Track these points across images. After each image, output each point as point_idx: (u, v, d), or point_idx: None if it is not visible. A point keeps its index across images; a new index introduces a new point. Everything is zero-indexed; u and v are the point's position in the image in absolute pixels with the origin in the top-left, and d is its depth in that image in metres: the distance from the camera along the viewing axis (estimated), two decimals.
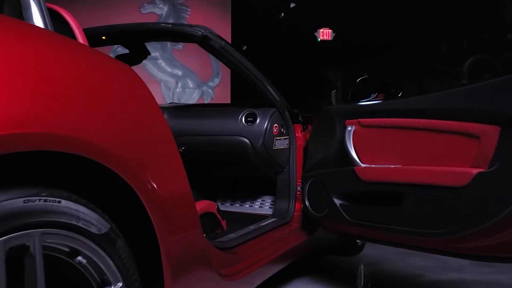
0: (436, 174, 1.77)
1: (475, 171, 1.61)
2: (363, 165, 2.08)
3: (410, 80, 7.26)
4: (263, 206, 2.80)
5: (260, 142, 2.37)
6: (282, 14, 7.43)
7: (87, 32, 2.30)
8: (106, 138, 1.03)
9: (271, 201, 2.77)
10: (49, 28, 1.25)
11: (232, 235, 2.07)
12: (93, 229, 1.00)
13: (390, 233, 1.98)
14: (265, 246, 2.15)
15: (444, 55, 7.92)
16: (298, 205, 2.56)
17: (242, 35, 6.45)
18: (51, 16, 1.27)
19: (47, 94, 0.91)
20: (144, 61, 5.72)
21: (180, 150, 2.53)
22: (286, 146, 2.54)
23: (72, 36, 1.45)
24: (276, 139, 2.44)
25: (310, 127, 2.67)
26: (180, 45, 5.50)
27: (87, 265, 1.00)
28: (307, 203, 2.41)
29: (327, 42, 8.04)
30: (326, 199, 2.28)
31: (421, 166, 1.86)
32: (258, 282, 2.00)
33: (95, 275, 1.03)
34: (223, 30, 5.88)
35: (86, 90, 1.04)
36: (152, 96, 1.28)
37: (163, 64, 5.69)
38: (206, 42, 2.04)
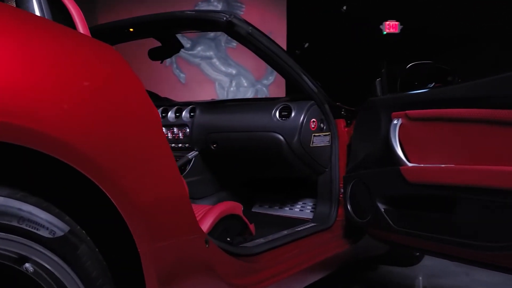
0: (499, 176, 1.46)
1: None
2: (410, 165, 1.79)
3: None
4: (304, 209, 2.56)
5: (295, 138, 2.15)
6: (345, 8, 7.10)
7: (114, 25, 2.22)
8: (67, 129, 0.87)
9: (313, 204, 2.53)
10: (45, 14, 1.13)
11: (260, 240, 1.87)
12: (44, 232, 0.84)
13: (440, 244, 1.69)
14: (298, 253, 1.93)
15: None
16: (342, 209, 2.30)
17: (298, 31, 6.22)
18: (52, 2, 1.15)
19: None
20: (198, 61, 5.70)
21: (212, 147, 2.37)
22: (327, 144, 2.29)
23: (71, 24, 1.31)
24: (314, 135, 2.20)
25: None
26: (234, 43, 5.39)
27: (40, 273, 0.86)
28: (349, 207, 2.15)
29: (394, 35, 7.57)
30: (369, 203, 2.01)
31: (480, 165, 1.55)
32: None
33: (54, 285, 0.88)
34: (279, 27, 5.70)
35: (49, 74, 0.89)
36: (141, 84, 1.11)
37: (217, 63, 5.61)
38: (231, 28, 1.86)
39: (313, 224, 2.22)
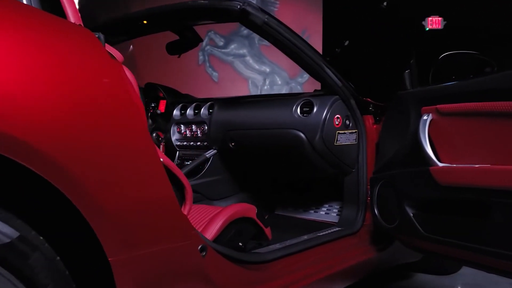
0: None
1: None
2: (440, 165, 1.61)
3: None
4: (329, 212, 2.40)
5: (318, 136, 1.99)
6: (385, 3, 6.83)
7: (128, 18, 2.15)
8: (20, 124, 0.76)
9: (340, 207, 2.36)
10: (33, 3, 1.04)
11: (275, 246, 1.73)
12: None
13: (474, 254, 1.50)
14: (317, 260, 1.78)
15: None
16: (370, 213, 2.13)
17: (335, 28, 6.01)
18: None
19: None
20: (231, 59, 5.61)
21: (230, 146, 2.25)
22: (354, 142, 2.12)
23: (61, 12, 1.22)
24: (338, 132, 2.04)
25: None
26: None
27: None
28: (376, 210, 1.98)
29: (437, 31, 7.22)
30: (397, 207, 1.83)
31: None
32: None
33: None
34: (314, 23, 5.53)
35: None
36: (121, 71, 0.99)
37: (250, 61, 5.50)
38: (246, 17, 1.74)
39: (337, 229, 2.06)
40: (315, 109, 2.01)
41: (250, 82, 5.57)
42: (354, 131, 2.12)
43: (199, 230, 1.57)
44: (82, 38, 0.95)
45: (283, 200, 2.58)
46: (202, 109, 2.38)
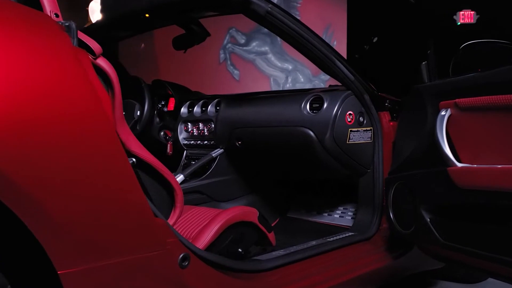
0: None
1: None
2: (459, 165, 1.45)
3: None
4: (344, 215, 2.26)
5: (328, 134, 1.85)
6: None
7: (130, 12, 2.06)
8: None
9: (355, 210, 2.21)
10: None
11: (277, 253, 1.61)
12: None
13: (498, 264, 1.33)
14: (325, 268, 1.65)
15: None
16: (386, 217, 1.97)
17: (360, 23, 5.81)
18: None
19: None
20: (253, 57, 5.49)
21: (237, 144, 2.13)
22: (368, 140, 1.97)
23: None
24: (351, 130, 1.90)
25: None
26: None
27: None
28: (391, 214, 1.83)
29: (469, 25, 6.90)
30: (413, 211, 1.68)
31: None
32: None
33: None
34: (339, 18, 5.35)
35: None
36: (82, 65, 0.89)
37: (272, 58, 5.36)
38: (247, 7, 1.62)
39: (349, 234, 1.92)
40: (325, 105, 1.88)
41: (272, 80, 5.44)
42: (368, 128, 1.97)
43: (193, 235, 1.47)
44: (37, 28, 0.85)
45: (296, 202, 2.45)
46: (209, 107, 2.28)
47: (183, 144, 2.37)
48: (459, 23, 7.00)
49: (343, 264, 1.73)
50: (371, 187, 1.99)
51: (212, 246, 1.43)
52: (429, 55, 1.67)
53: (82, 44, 1.16)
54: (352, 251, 1.81)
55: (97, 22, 2.17)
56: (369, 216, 1.98)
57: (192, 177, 2.14)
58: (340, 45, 5.26)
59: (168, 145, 2.41)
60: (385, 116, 1.99)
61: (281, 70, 5.42)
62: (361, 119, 1.94)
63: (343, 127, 1.87)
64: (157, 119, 2.45)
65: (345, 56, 5.39)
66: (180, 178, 2.06)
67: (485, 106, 1.39)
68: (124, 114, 2.34)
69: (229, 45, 5.46)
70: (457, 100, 1.49)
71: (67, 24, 1.03)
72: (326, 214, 2.30)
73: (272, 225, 2.32)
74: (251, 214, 1.60)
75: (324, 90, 1.99)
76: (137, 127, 2.25)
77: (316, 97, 1.93)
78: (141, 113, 2.27)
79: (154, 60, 5.58)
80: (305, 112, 1.92)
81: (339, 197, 2.36)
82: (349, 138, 1.90)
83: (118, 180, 0.89)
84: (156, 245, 0.96)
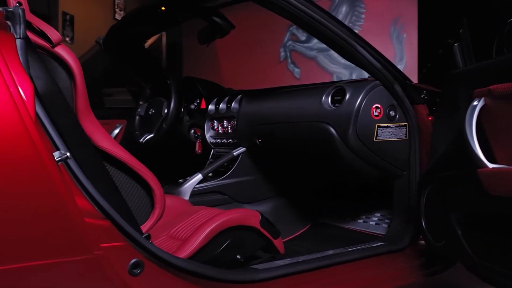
0: None
1: None
2: (490, 166, 1.18)
3: None
4: (380, 223, 2.01)
5: (350, 130, 1.63)
6: None
7: (146, 6, 1.99)
8: None
9: (391, 216, 1.96)
10: None
11: (280, 262, 1.43)
12: None
13: None
14: (337, 282, 1.45)
15: None
16: None
17: (432, 15, 5.36)
18: None
19: None
20: (315, 53, 5.27)
21: (257, 142, 1.98)
22: (403, 138, 1.72)
23: None
24: (378, 126, 1.67)
25: None
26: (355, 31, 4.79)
27: None
28: (423, 223, 1.57)
29: None
30: (445, 221, 1.42)
31: None
32: None
33: None
34: (409, 10, 4.97)
35: None
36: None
37: (335, 54, 5.07)
38: None
39: (378, 244, 1.69)
40: (347, 97, 1.66)
41: (335, 77, 5.18)
42: (402, 124, 1.72)
43: (185, 239, 1.35)
44: None
45: (329, 207, 2.24)
46: (233, 103, 2.14)
47: (210, 142, 2.26)
48: None
49: (362, 277, 1.51)
50: (406, 192, 1.74)
51: (202, 252, 1.31)
52: (463, 34, 1.40)
53: (39, 33, 1.10)
54: (375, 264, 1.58)
55: (122, 18, 2.15)
56: (402, 224, 1.74)
57: (213, 176, 2.02)
58: (410, 39, 4.89)
59: (197, 143, 2.31)
60: (422, 110, 1.73)
61: (345, 66, 5.14)
62: (391, 113, 1.70)
63: (368, 122, 1.65)
64: (187, 117, 2.37)
65: (415, 51, 4.99)
66: (198, 177, 1.95)
67: None
68: (154, 112, 2.32)
69: (290, 42, 5.28)
70: (491, 86, 1.22)
71: (10, 9, 0.97)
72: (361, 221, 2.07)
73: (302, 231, 2.13)
74: (252, 217, 1.44)
75: (350, 81, 1.78)
76: (163, 125, 2.19)
77: (339, 88, 1.73)
78: (168, 110, 2.20)
79: (215, 59, 5.58)
80: (325, 106, 1.72)
81: (377, 202, 2.11)
82: (377, 135, 1.67)
83: (28, 183, 0.79)
84: (82, 249, 0.84)
